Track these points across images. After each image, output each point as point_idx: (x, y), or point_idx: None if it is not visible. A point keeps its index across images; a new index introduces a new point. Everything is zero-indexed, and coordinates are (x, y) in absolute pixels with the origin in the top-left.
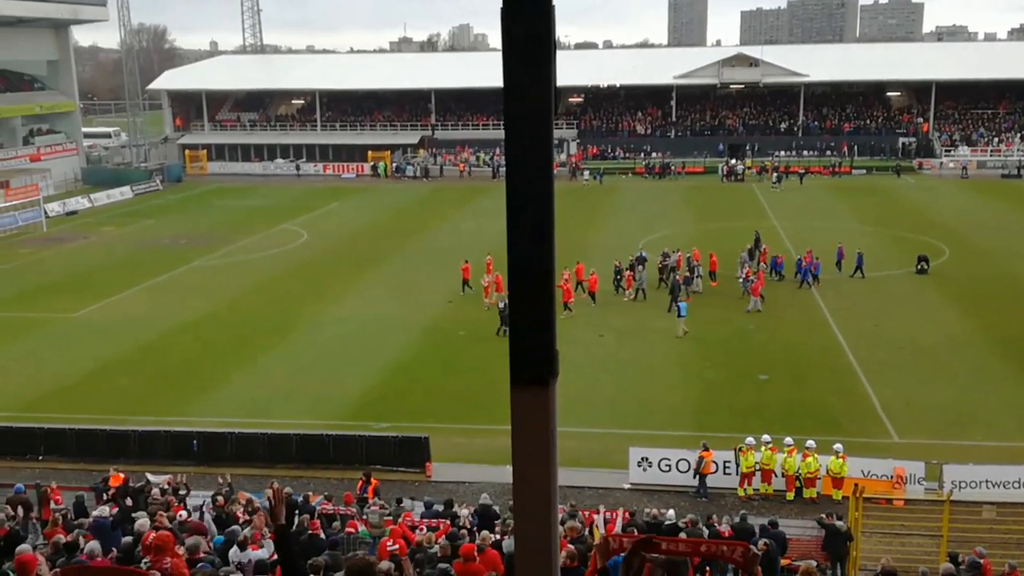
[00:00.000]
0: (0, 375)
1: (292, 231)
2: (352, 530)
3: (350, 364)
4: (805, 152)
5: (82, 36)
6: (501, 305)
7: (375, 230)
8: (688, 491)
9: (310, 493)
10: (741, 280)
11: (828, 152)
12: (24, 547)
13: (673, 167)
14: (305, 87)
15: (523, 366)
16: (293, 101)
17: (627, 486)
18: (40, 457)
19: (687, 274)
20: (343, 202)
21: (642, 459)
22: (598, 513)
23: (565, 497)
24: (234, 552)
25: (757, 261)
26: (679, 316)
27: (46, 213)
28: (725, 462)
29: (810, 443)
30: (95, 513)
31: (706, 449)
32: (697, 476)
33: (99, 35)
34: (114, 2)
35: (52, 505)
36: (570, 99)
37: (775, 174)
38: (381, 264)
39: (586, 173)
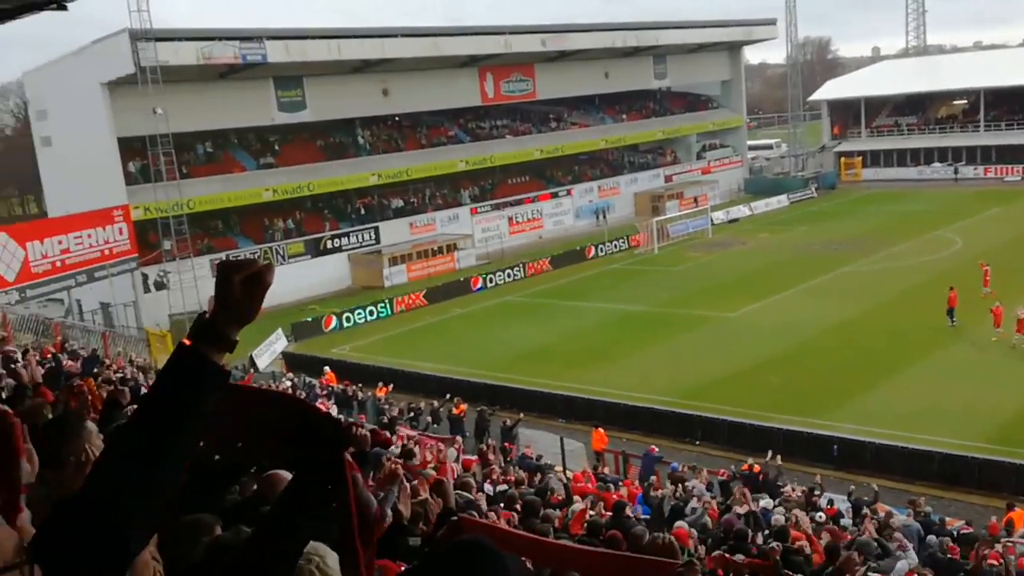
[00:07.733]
0: (668, 365)
1: (946, 238)
2: (994, 562)
3: (1003, 380)
4: None
5: (751, 55)
6: None
7: None
8: None
9: (946, 517)
10: None
11: None
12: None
13: None
14: (968, 86)
15: None
16: (955, 102)
17: None
18: (696, 442)
19: None
20: (1004, 207)
21: None
22: None
23: None
24: None
25: None
26: None
27: (712, 221)
28: None
29: None
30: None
31: None
32: None
33: (767, 52)
34: (783, 19)
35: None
36: None
37: None
38: None
39: None
